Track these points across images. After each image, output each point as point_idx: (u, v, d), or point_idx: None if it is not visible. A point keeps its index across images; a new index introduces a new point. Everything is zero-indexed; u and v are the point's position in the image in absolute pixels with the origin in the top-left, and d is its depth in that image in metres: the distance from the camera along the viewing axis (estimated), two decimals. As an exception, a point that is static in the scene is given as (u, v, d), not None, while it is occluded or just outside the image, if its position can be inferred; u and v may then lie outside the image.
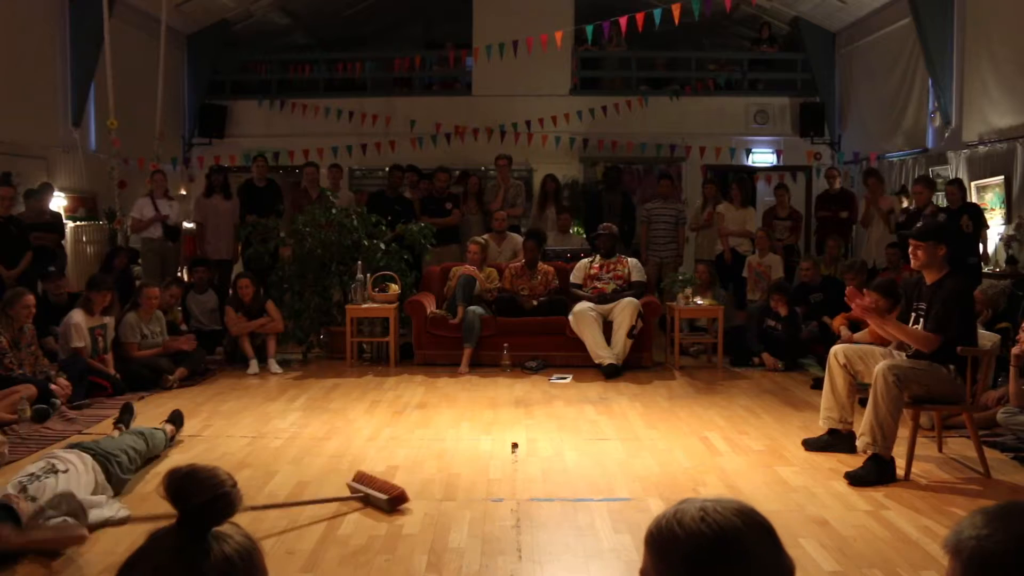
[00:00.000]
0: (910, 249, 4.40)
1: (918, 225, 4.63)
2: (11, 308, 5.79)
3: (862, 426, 4.22)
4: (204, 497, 1.16)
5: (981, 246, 7.55)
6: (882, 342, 4.67)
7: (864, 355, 4.55)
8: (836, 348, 4.67)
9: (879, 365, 4.21)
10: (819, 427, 4.78)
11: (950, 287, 4.25)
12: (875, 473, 4.09)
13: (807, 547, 3.29)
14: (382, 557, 3.24)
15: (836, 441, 4.60)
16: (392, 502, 3.72)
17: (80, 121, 8.91)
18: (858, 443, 4.27)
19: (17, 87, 8.02)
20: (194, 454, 4.64)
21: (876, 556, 3.22)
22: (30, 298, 5.88)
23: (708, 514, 1.14)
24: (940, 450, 4.68)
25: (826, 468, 4.36)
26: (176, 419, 4.96)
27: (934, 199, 8.04)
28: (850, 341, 5.58)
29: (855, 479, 4.09)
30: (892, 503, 3.83)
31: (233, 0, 11.07)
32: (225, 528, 1.19)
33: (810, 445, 4.68)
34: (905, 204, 8.68)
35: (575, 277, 7.63)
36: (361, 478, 3.91)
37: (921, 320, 4.34)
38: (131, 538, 3.34)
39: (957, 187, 7.63)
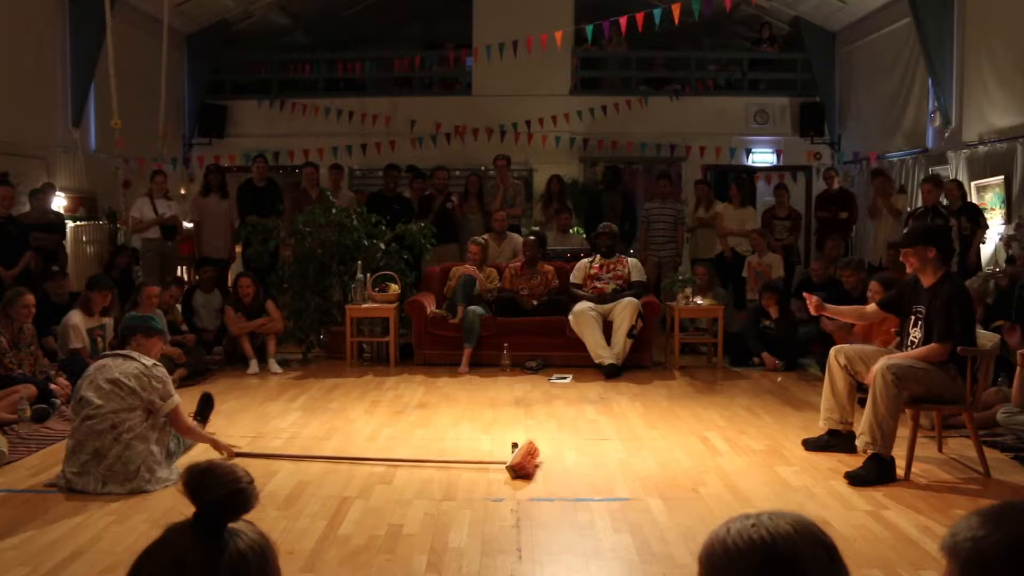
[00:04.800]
0: (901, 257, 4.41)
1: (904, 232, 4.63)
2: (11, 308, 5.79)
3: (861, 425, 4.22)
4: (221, 492, 1.18)
5: (982, 247, 7.56)
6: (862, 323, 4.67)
7: (865, 356, 4.53)
8: (837, 349, 4.64)
9: (878, 364, 4.20)
10: (819, 427, 4.78)
11: (948, 292, 4.25)
12: (875, 473, 4.09)
13: (807, 547, 3.28)
14: (382, 557, 3.24)
15: (836, 441, 4.60)
16: (513, 468, 4.15)
17: (80, 121, 8.90)
18: (857, 442, 4.27)
19: (17, 87, 8.02)
20: (194, 454, 4.62)
21: (876, 556, 3.22)
22: (29, 298, 5.88)
23: (760, 523, 1.10)
24: (940, 450, 4.68)
25: (826, 468, 4.36)
26: (203, 410, 5.08)
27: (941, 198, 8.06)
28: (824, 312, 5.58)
29: (855, 479, 4.09)
30: (892, 503, 3.83)
31: (233, 0, 11.07)
32: (239, 525, 1.20)
33: (810, 445, 4.68)
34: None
35: (575, 277, 7.62)
36: (524, 447, 4.30)
37: (920, 323, 4.34)
38: (132, 537, 3.35)
39: (957, 187, 7.63)
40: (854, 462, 4.34)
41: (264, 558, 1.19)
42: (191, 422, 4.50)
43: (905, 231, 4.64)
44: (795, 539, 1.09)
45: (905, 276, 4.72)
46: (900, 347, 4.55)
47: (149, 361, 4.17)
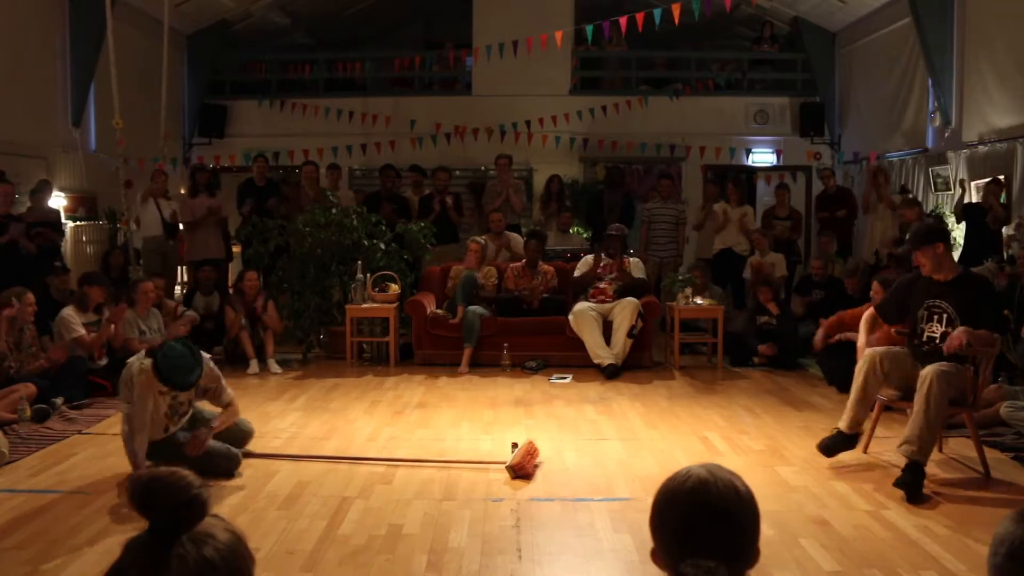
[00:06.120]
0: (914, 262, 4.40)
1: (908, 237, 4.60)
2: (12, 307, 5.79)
3: (908, 432, 4.01)
4: (171, 504, 1.13)
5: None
6: (892, 342, 4.64)
7: (904, 361, 4.35)
8: (876, 356, 4.35)
9: (931, 370, 4.03)
10: (820, 429, 4.76)
11: (980, 285, 4.28)
12: (918, 479, 3.94)
13: (807, 547, 3.29)
14: (382, 557, 3.24)
15: (844, 440, 4.47)
16: (512, 468, 4.19)
17: (80, 121, 8.90)
18: (902, 450, 4.02)
19: (17, 87, 8.02)
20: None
21: (876, 556, 3.22)
22: (30, 297, 5.89)
23: (683, 479, 1.37)
24: (940, 450, 4.67)
25: (826, 468, 4.37)
26: None
27: (936, 201, 8.04)
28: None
29: (911, 494, 3.86)
30: (892, 503, 3.83)
31: (233, 0, 11.07)
32: (206, 526, 1.15)
33: (828, 451, 4.44)
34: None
35: (579, 272, 7.63)
36: (523, 447, 4.33)
37: (939, 316, 4.29)
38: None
39: (995, 185, 7.52)
40: (853, 462, 4.35)
41: (233, 560, 1.14)
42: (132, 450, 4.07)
43: (908, 236, 4.63)
44: (689, 501, 1.34)
45: (903, 275, 4.72)
46: (912, 341, 4.46)
47: (137, 366, 4.02)
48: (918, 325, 4.41)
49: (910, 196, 8.60)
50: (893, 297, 4.58)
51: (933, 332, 4.31)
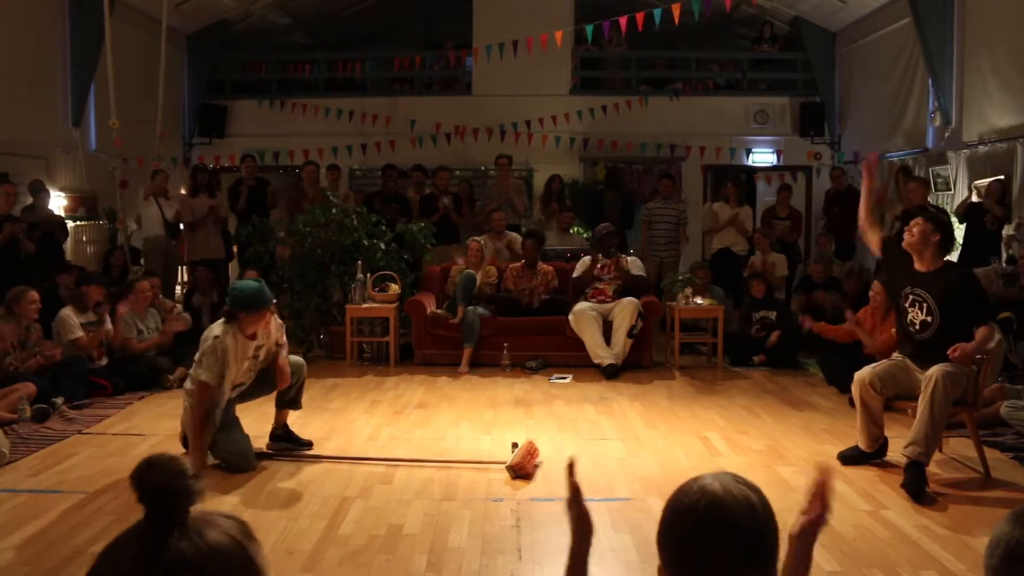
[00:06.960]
0: (909, 225, 4.38)
1: (922, 207, 4.61)
2: (16, 306, 5.80)
3: (913, 434, 4.02)
4: (162, 483, 1.12)
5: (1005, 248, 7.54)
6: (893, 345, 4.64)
7: (896, 375, 4.36)
8: (866, 378, 4.36)
9: (936, 371, 4.01)
10: (820, 429, 4.76)
11: (965, 277, 4.27)
12: (921, 479, 3.95)
13: (807, 547, 3.28)
14: (382, 557, 3.24)
15: (863, 455, 4.46)
16: (512, 468, 4.22)
17: (80, 121, 8.90)
18: (908, 451, 4.02)
19: (17, 87, 8.02)
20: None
21: (876, 556, 3.22)
22: (34, 294, 5.90)
23: (698, 494, 1.28)
24: (940, 450, 4.66)
25: (826, 468, 4.35)
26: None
27: (936, 201, 8.02)
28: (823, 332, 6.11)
29: (917, 495, 3.87)
30: (892, 503, 3.83)
31: (233, 0, 11.07)
32: (202, 523, 1.13)
33: (847, 460, 4.45)
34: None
35: (577, 273, 7.63)
36: (523, 448, 4.35)
37: (920, 305, 4.28)
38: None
39: (1000, 187, 7.45)
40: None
41: (217, 565, 1.10)
42: (201, 412, 4.34)
43: (921, 207, 4.65)
44: (698, 521, 1.26)
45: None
46: (899, 330, 4.49)
47: (220, 330, 4.28)
48: (902, 306, 4.42)
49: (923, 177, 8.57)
50: (892, 270, 4.61)
51: (915, 318, 4.31)
